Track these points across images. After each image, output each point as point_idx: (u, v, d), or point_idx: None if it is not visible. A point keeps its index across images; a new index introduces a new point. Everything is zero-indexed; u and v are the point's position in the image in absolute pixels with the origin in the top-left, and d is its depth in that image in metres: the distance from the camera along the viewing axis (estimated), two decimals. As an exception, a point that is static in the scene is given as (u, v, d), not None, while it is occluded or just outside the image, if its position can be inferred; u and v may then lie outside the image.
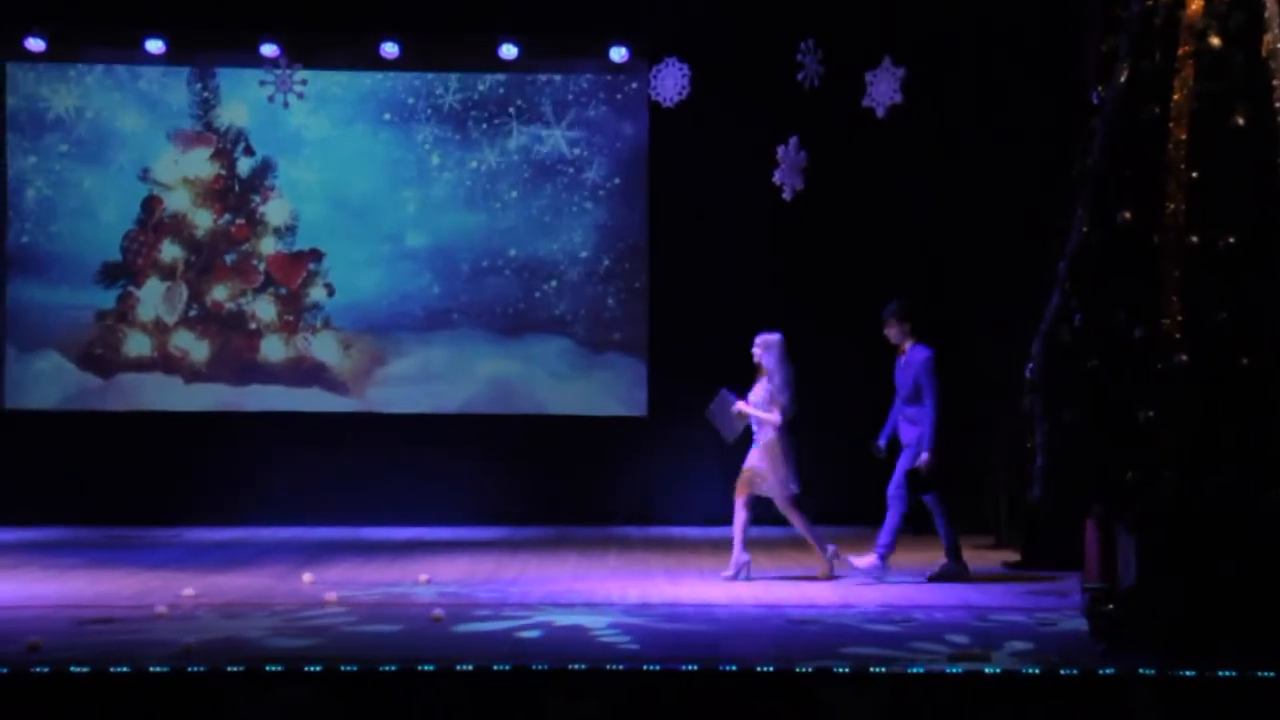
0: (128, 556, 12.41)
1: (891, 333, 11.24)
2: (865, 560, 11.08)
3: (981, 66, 13.84)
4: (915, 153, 14.43)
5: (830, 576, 11.08)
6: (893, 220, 14.71)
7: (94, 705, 7.27)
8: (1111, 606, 8.17)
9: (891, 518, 11.10)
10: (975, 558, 12.18)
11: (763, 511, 13.36)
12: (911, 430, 11.06)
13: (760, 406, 11.10)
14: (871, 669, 7.48)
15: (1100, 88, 8.43)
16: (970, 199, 14.16)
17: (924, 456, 10.91)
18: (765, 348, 11.20)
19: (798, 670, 7.44)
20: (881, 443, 11.38)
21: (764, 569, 11.73)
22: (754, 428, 11.20)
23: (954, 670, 7.46)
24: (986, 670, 7.46)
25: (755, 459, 11.12)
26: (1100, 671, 7.37)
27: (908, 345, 11.18)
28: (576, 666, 7.53)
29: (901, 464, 11.14)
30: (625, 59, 14.96)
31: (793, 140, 12.76)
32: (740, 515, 11.07)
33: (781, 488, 11.06)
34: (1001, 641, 8.40)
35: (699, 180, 15.00)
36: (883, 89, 12.43)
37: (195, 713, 7.27)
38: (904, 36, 13.14)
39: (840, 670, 7.44)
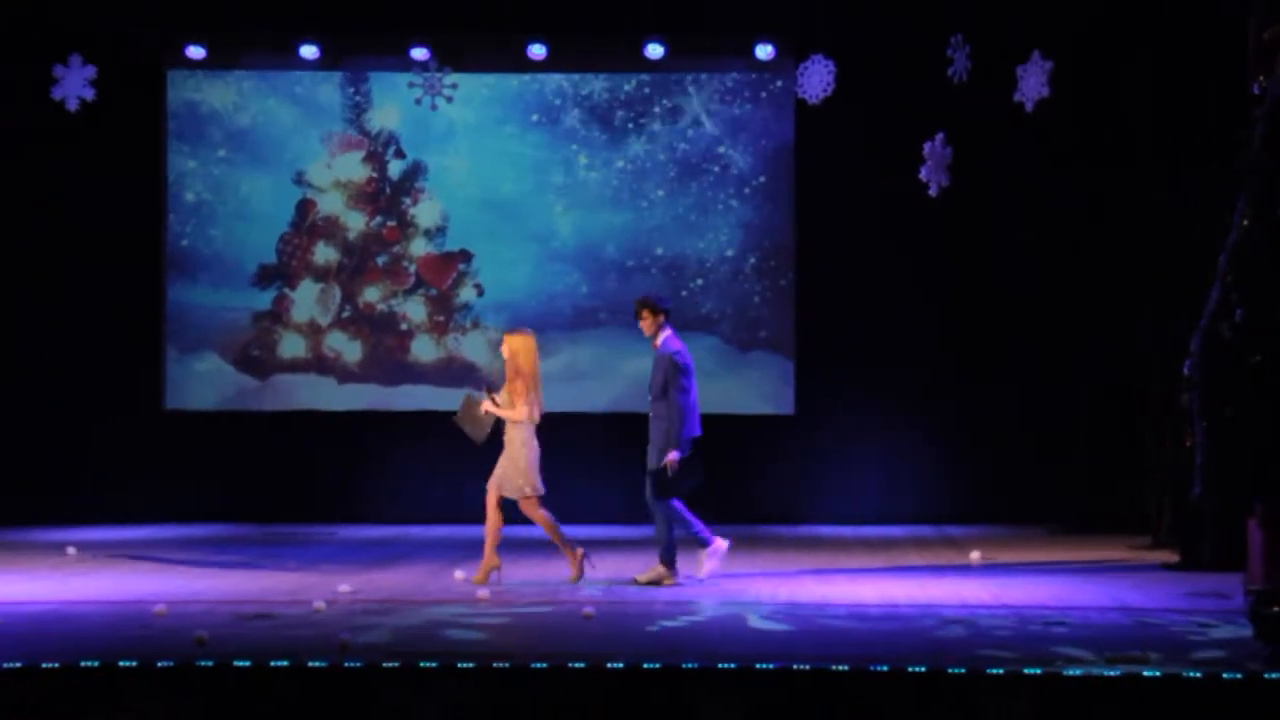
0: (285, 553, 12.65)
1: (644, 325, 10.88)
2: (706, 567, 10.89)
3: (1132, 58, 13.57)
4: (1063, 147, 14.19)
5: (578, 579, 10.88)
6: (1040, 215, 14.49)
7: (256, 698, 7.42)
8: (1278, 609, 7.97)
9: (681, 513, 10.85)
10: (1133, 559, 12.00)
11: (907, 510, 13.31)
12: (658, 427, 10.77)
13: (505, 405, 10.92)
14: (1025, 671, 7.37)
15: (1261, 79, 8.23)
16: (1120, 192, 13.89)
17: (671, 456, 10.61)
18: (512, 348, 10.99)
19: (950, 671, 7.36)
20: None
21: (915, 565, 11.65)
22: (505, 428, 10.99)
23: (1111, 673, 7.33)
24: (1145, 673, 7.32)
25: (503, 459, 10.94)
26: (1265, 676, 7.20)
27: (660, 339, 10.87)
28: (726, 666, 7.52)
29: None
30: (771, 57, 14.92)
31: (939, 136, 12.66)
32: (491, 517, 10.90)
33: (526, 489, 10.86)
34: (1160, 644, 8.24)
35: (845, 177, 14.91)
36: (1031, 83, 12.28)
37: (352, 707, 7.39)
38: (1052, 29, 12.95)
39: (994, 672, 7.34)
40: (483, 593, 10.17)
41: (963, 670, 7.36)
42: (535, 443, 10.88)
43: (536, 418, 10.89)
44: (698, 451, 10.76)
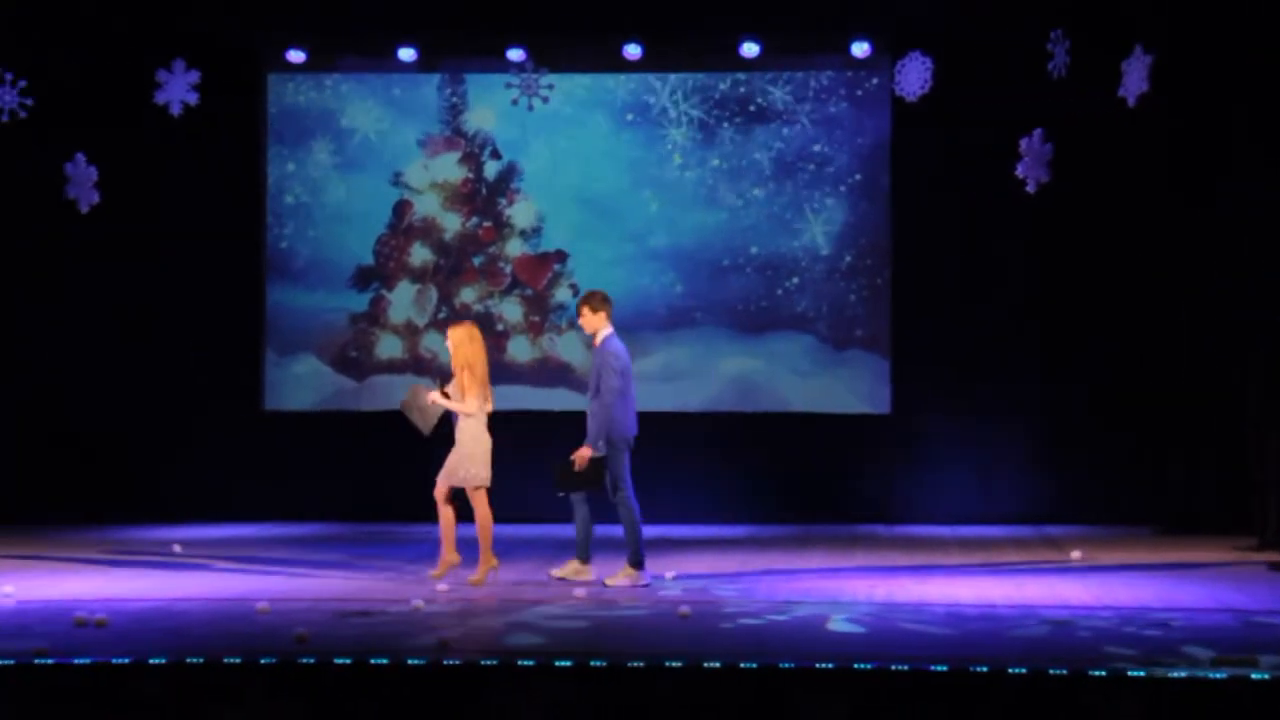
0: (384, 552, 12.76)
1: (584, 323, 10.83)
2: (563, 570, 10.83)
3: (1235, 52, 13.36)
4: (1164, 143, 13.99)
5: (480, 583, 10.82)
6: (1141, 212, 14.30)
7: (356, 696, 7.48)
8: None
9: (625, 521, 10.77)
10: (1239, 559, 11.82)
11: (1004, 510, 13.16)
12: (591, 423, 10.75)
13: (455, 398, 10.84)
14: (1130, 673, 7.27)
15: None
16: (1223, 189, 13.68)
17: (582, 451, 10.59)
18: (456, 340, 10.91)
19: (1051, 673, 7.28)
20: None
21: (1012, 565, 11.54)
22: (455, 421, 10.92)
23: (1218, 675, 7.22)
24: (1253, 675, 7.20)
25: (454, 451, 10.88)
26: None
27: (600, 337, 10.79)
28: (824, 665, 7.49)
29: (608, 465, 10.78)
30: (868, 54, 14.84)
31: (1037, 132, 12.54)
32: (443, 512, 10.88)
33: (476, 479, 10.82)
34: (1269, 646, 8.09)
35: (942, 174, 14.80)
36: (1134, 78, 12.13)
37: (451, 705, 7.44)
38: (1154, 22, 12.77)
39: (1096, 674, 7.25)
40: (579, 591, 10.18)
41: (1064, 671, 7.28)
42: (487, 435, 10.87)
43: (488, 409, 10.85)
44: (619, 455, 10.75)
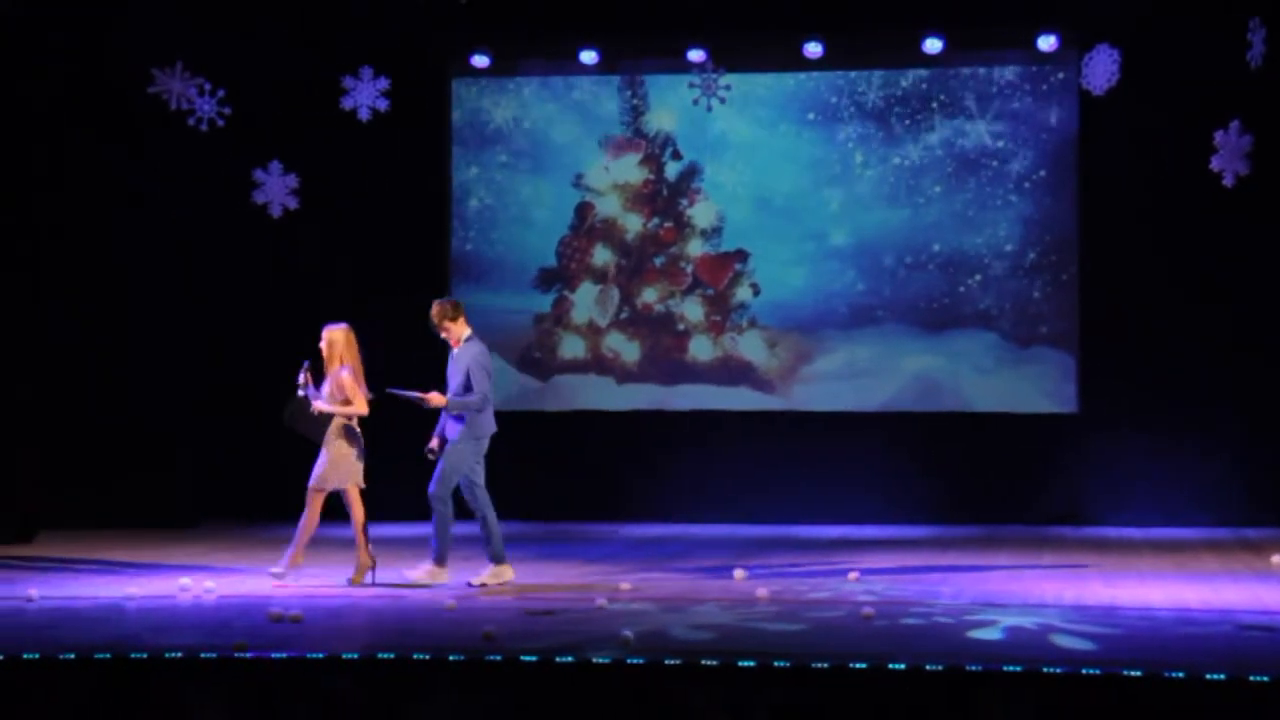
0: (568, 551, 12.88)
1: (449, 333, 10.76)
2: (416, 573, 10.69)
3: None
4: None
5: (358, 582, 10.64)
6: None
7: (542, 692, 7.57)
8: None
9: (437, 520, 10.65)
10: None
11: (1198, 512, 12.83)
12: (456, 427, 10.63)
13: (332, 400, 10.64)
14: (1333, 680, 7.07)
15: None
16: None
17: (433, 444, 10.63)
18: (331, 341, 10.73)
19: (1251, 679, 7.09)
20: (435, 444, 10.89)
21: (1211, 570, 11.25)
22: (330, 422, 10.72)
23: None
24: None
25: (326, 454, 10.70)
26: None
27: (463, 339, 10.73)
28: (1011, 668, 7.39)
29: (442, 464, 10.70)
30: (1054, 48, 14.61)
31: (1234, 124, 12.21)
32: (352, 513, 10.75)
33: (344, 477, 10.64)
34: None
35: (1131, 169, 14.49)
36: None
37: (635, 703, 7.49)
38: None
39: (1297, 681, 7.06)
40: (762, 591, 10.17)
41: (1265, 679, 7.08)
42: (359, 434, 10.80)
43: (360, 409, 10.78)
44: (478, 453, 10.85)
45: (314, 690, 7.60)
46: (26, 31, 13.72)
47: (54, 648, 7.96)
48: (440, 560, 10.75)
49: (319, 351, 10.82)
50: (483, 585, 10.68)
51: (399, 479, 12.20)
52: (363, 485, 10.81)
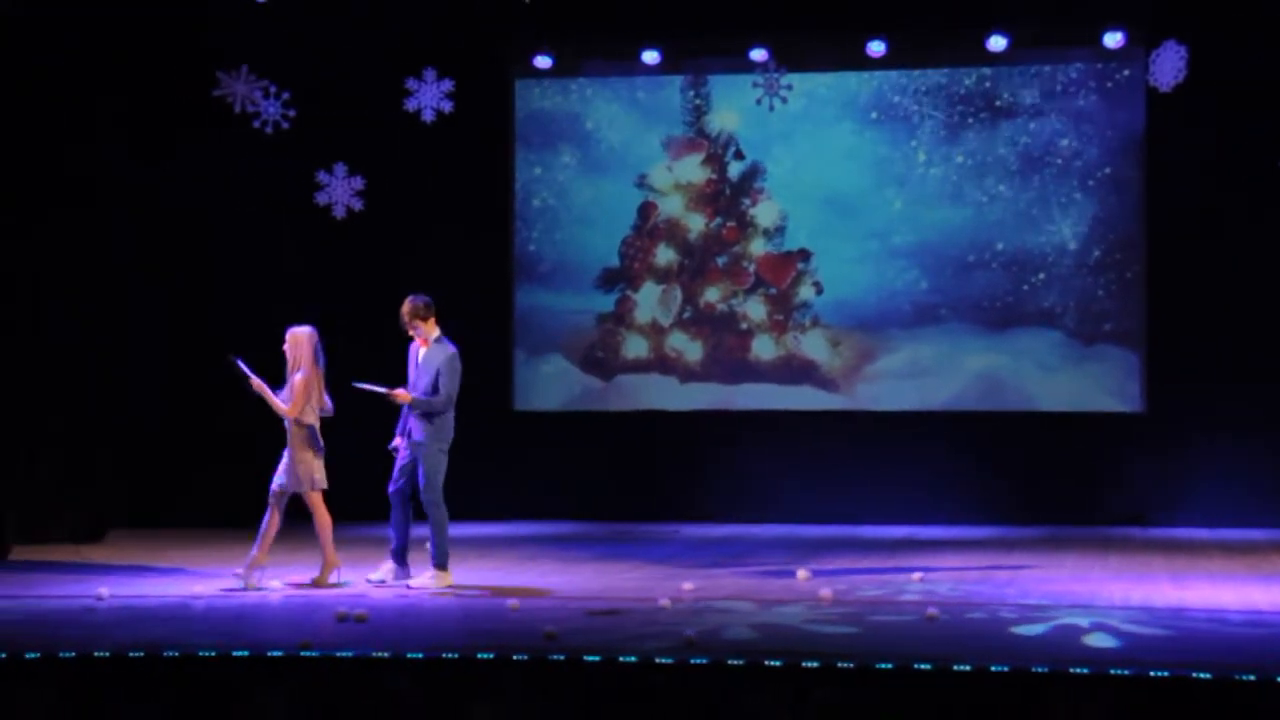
0: (630, 551, 12.89)
1: (420, 333, 10.73)
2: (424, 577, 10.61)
3: None
4: None
5: (320, 584, 10.57)
6: None
7: (604, 692, 7.58)
8: None
9: (396, 518, 10.66)
10: None
11: (1270, 513, 12.68)
12: (421, 426, 10.61)
13: (284, 400, 10.53)
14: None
15: None
16: None
17: (398, 442, 10.62)
18: (294, 342, 10.62)
19: (1322, 683, 7.02)
20: (399, 441, 10.83)
21: (1268, 574, 11.13)
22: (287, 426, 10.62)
23: None
24: None
25: (288, 457, 10.60)
26: None
27: (432, 339, 10.69)
28: (1078, 670, 7.34)
29: (401, 461, 10.67)
30: (1120, 44, 14.49)
31: (1305, 120, 12.09)
32: (316, 516, 10.67)
33: (304, 481, 10.53)
34: None
35: (1199, 166, 14.36)
36: None
37: (699, 704, 7.49)
38: None
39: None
40: (825, 592, 10.14)
41: (1335, 682, 7.01)
42: (320, 439, 10.70)
43: (320, 413, 10.68)
44: (443, 457, 10.82)
45: (378, 689, 7.65)
46: (93, 35, 13.85)
47: (124, 645, 8.05)
48: (441, 564, 10.70)
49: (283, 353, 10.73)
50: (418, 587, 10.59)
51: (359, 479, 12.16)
52: (325, 487, 10.73)
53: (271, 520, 10.65)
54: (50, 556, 12.47)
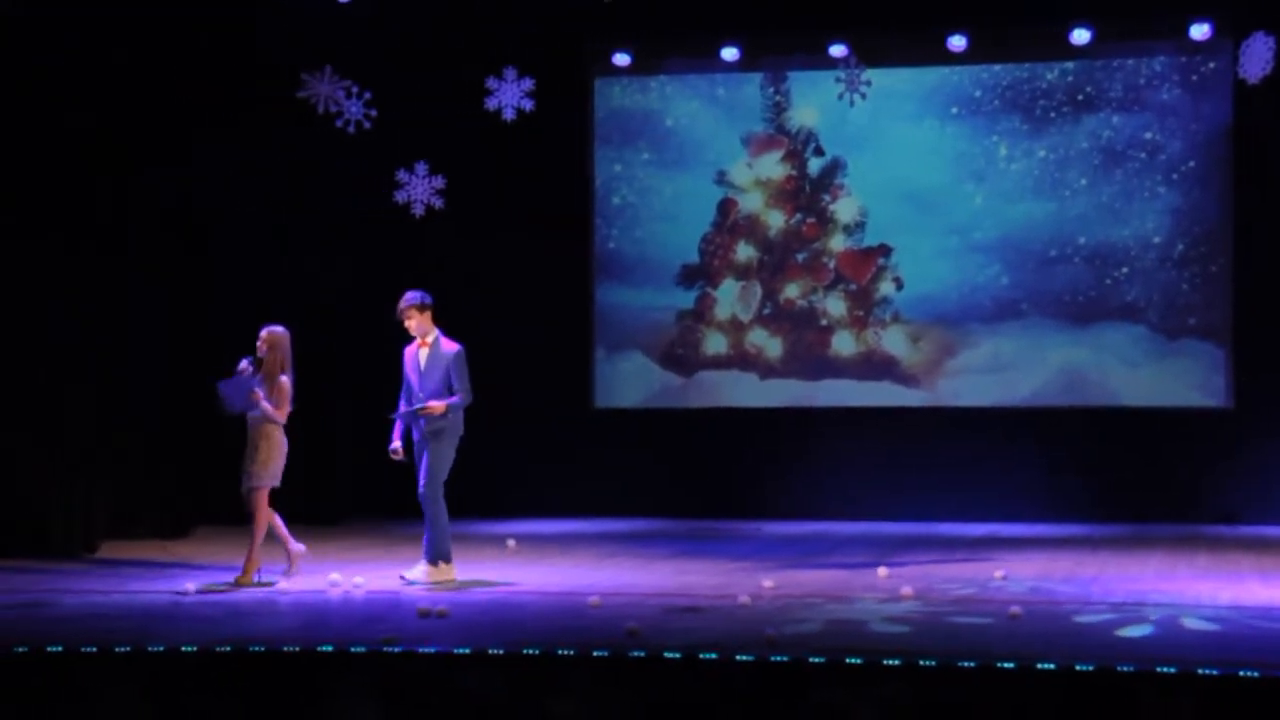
0: (709, 548, 12.89)
1: (412, 324, 10.57)
2: (416, 570, 10.50)
3: None
4: None
5: (290, 575, 10.57)
6: None
7: (685, 689, 7.59)
8: None
9: (434, 517, 10.54)
10: None
11: None
12: (434, 423, 10.48)
13: (278, 403, 10.51)
14: None
15: None
16: None
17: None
18: (276, 344, 10.55)
19: None
20: (398, 444, 10.68)
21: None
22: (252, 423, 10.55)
23: None
24: None
25: (260, 454, 10.54)
26: None
27: (431, 338, 10.56)
28: (1164, 670, 7.26)
29: (427, 463, 10.53)
30: (1207, 36, 14.31)
31: (1394, 112, 11.89)
32: (267, 515, 10.58)
33: (275, 477, 10.51)
34: None
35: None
36: None
37: (778, 700, 7.48)
38: None
39: None
40: (906, 590, 10.09)
41: None
42: (284, 437, 10.68)
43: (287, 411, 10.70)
44: (451, 452, 10.75)
45: (460, 685, 7.70)
46: (177, 36, 14.00)
47: (210, 640, 8.16)
48: (445, 559, 10.67)
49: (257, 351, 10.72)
50: (414, 581, 10.57)
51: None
52: (278, 485, 10.74)
53: (266, 518, 10.66)
54: (137, 552, 12.64)
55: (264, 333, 10.68)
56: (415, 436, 10.74)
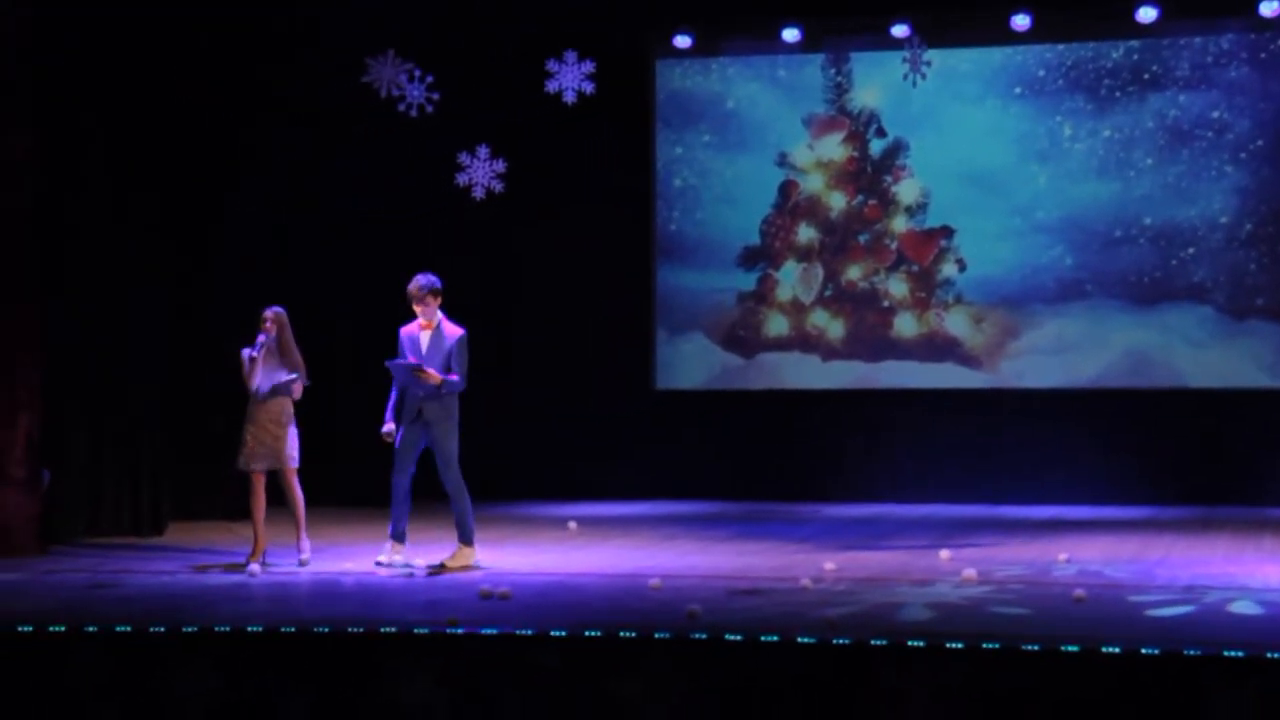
0: (771, 530, 12.89)
1: (427, 308, 10.50)
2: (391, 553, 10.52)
3: None
4: None
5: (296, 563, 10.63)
6: None
7: (746, 671, 7.60)
8: None
9: (458, 499, 10.56)
10: None
11: None
12: (435, 407, 10.45)
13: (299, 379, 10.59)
14: None
15: None
16: None
17: (387, 427, 10.58)
18: (283, 323, 10.64)
19: None
20: (391, 426, 10.54)
21: None
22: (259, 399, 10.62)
23: None
24: None
25: (272, 434, 10.64)
26: None
27: (437, 321, 10.50)
28: (1232, 653, 7.21)
29: (439, 451, 10.49)
30: (1277, 13, 14.12)
31: None
32: (257, 496, 10.72)
33: (294, 458, 10.64)
34: None
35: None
36: None
37: (840, 683, 7.47)
38: None
39: None
40: (969, 572, 10.05)
41: None
42: (293, 414, 10.81)
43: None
44: (456, 433, 10.70)
45: (522, 666, 7.74)
46: (240, 24, 14.08)
47: (276, 620, 8.24)
48: (469, 540, 10.69)
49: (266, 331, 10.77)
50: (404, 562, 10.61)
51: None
52: (295, 466, 10.84)
53: (294, 497, 10.80)
54: (204, 534, 12.77)
55: (269, 313, 10.79)
56: (407, 422, 10.61)
